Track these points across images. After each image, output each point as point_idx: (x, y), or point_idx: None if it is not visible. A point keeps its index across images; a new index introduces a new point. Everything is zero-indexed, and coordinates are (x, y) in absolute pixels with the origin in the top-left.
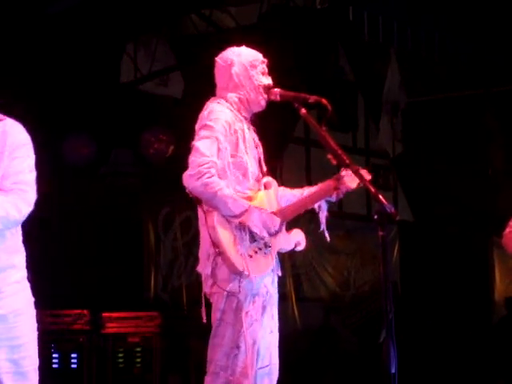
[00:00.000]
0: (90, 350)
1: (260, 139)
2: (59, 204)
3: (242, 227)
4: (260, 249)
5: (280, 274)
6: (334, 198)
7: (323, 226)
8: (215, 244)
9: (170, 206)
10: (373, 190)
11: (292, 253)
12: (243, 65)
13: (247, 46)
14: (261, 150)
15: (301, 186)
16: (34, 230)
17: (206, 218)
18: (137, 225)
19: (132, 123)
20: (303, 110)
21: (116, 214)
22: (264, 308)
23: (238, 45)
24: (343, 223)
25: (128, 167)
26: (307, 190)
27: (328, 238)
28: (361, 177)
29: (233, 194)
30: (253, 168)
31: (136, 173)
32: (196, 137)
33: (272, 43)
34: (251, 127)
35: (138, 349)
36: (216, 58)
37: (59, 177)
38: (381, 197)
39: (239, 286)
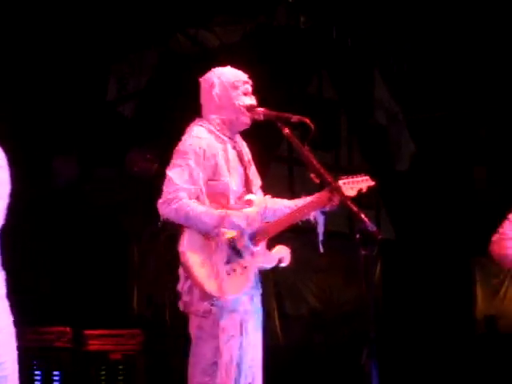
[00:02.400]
0: (73, 368)
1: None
2: (42, 221)
3: (224, 248)
4: (234, 270)
5: (261, 291)
6: (327, 208)
7: (321, 237)
8: (184, 268)
9: (154, 224)
10: (354, 208)
11: (274, 271)
12: (224, 86)
13: (231, 65)
14: (252, 166)
15: None
16: (17, 247)
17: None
18: (120, 242)
19: (116, 142)
20: (286, 130)
21: (99, 231)
22: (241, 325)
23: (223, 64)
24: (326, 241)
25: (112, 184)
26: (302, 201)
27: (322, 250)
28: (342, 195)
29: (206, 209)
30: (236, 187)
31: (120, 190)
32: (170, 163)
33: (255, 62)
34: (240, 144)
35: (121, 366)
36: (200, 79)
37: (42, 193)
38: (363, 215)
39: (211, 308)
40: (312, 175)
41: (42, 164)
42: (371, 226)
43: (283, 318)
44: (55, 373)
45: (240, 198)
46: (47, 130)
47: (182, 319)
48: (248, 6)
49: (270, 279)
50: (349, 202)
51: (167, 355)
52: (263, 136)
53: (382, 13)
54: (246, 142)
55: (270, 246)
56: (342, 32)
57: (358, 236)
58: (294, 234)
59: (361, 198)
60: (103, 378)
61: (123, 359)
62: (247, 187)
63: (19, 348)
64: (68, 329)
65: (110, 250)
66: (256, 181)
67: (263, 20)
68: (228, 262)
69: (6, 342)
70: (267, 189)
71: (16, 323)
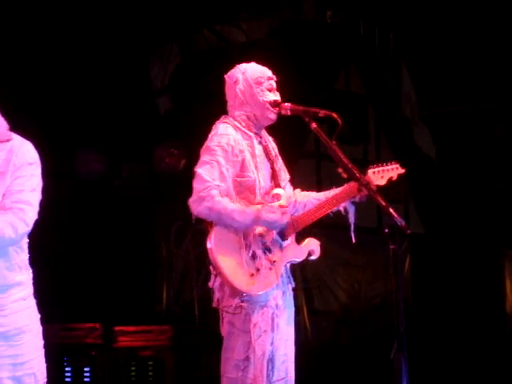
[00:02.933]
0: (103, 364)
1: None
2: (71, 218)
3: (252, 243)
4: (263, 265)
5: (293, 286)
6: (357, 199)
7: (352, 228)
8: (212, 265)
9: (182, 220)
10: (383, 202)
11: (303, 266)
12: (248, 82)
13: (258, 60)
14: (279, 160)
15: None
16: (46, 245)
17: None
18: (149, 238)
19: (144, 137)
20: (313, 125)
21: (128, 227)
22: (273, 320)
23: (249, 60)
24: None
25: (140, 180)
26: (331, 192)
27: (354, 240)
28: (371, 190)
29: (238, 207)
30: (264, 183)
31: (148, 186)
32: (199, 161)
33: (281, 57)
34: (266, 140)
35: (150, 362)
36: (224, 76)
37: (71, 191)
38: (391, 210)
39: (241, 304)
40: (340, 170)
41: (70, 159)
42: (400, 221)
43: (312, 314)
44: (85, 369)
45: (268, 192)
46: (74, 124)
47: (211, 315)
48: (274, 1)
49: (298, 274)
50: (378, 197)
51: (196, 351)
52: (290, 131)
53: (409, 6)
54: (273, 137)
55: (299, 240)
56: (369, 26)
57: (386, 231)
58: (322, 229)
59: (389, 193)
60: (133, 374)
61: (153, 355)
62: (275, 182)
63: (50, 345)
64: (98, 325)
65: (139, 247)
66: (284, 175)
67: (290, 15)
68: (257, 257)
69: (32, 340)
70: (295, 184)
71: (47, 320)
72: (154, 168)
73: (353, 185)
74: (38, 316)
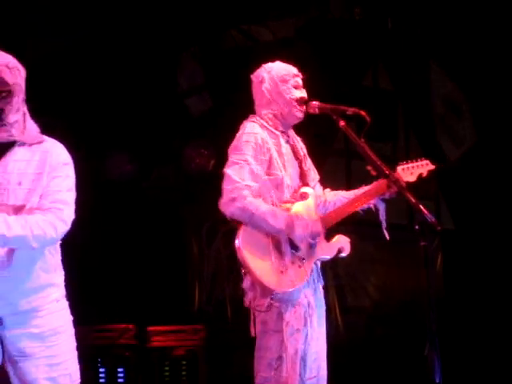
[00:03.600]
0: (136, 364)
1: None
2: (101, 219)
3: (281, 241)
4: (293, 263)
5: (323, 284)
6: (387, 196)
7: (384, 225)
8: (241, 264)
9: (213, 219)
10: (413, 199)
11: (335, 264)
12: (274, 80)
13: (286, 59)
14: (308, 160)
15: None
16: (78, 247)
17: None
18: (180, 238)
19: (173, 138)
20: (342, 122)
21: (159, 227)
22: (305, 318)
23: (277, 59)
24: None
25: (169, 181)
26: (361, 190)
27: (387, 237)
28: (401, 187)
29: (271, 210)
30: (291, 182)
31: (178, 187)
32: (227, 162)
33: (309, 55)
34: (294, 139)
35: (184, 362)
36: (251, 76)
37: (101, 192)
38: (421, 207)
39: (271, 302)
40: (369, 167)
41: (98, 162)
42: (430, 217)
43: (344, 311)
44: (119, 369)
45: (296, 191)
46: (104, 126)
47: (243, 314)
48: None
49: (329, 272)
50: (408, 194)
51: (229, 350)
52: (319, 129)
53: (437, 2)
54: (302, 136)
55: (328, 237)
56: (397, 22)
57: (417, 227)
58: (352, 226)
59: (419, 189)
60: (167, 373)
61: (186, 355)
62: (303, 181)
63: (84, 346)
64: (131, 326)
65: (170, 247)
66: (314, 175)
67: (317, 13)
68: (285, 254)
69: (66, 342)
70: (325, 183)
71: (79, 322)
72: (183, 168)
73: (382, 182)
74: (71, 318)
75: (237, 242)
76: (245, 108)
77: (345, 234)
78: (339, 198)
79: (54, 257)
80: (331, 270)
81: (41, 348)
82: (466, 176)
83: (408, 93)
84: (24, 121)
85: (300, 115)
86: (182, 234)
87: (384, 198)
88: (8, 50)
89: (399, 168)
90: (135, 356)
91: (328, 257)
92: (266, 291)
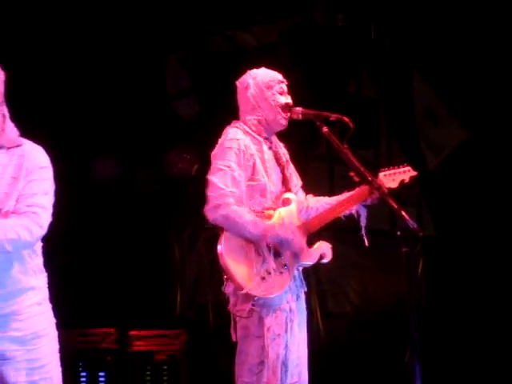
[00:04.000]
0: (118, 369)
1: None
2: (83, 222)
3: (261, 248)
4: (274, 269)
5: (305, 290)
6: (369, 202)
7: (363, 231)
8: (223, 270)
9: (195, 224)
10: (395, 205)
11: (317, 269)
12: (259, 86)
13: (269, 65)
14: (290, 166)
15: None
16: (60, 250)
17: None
18: (162, 242)
19: (158, 142)
20: (325, 128)
21: (141, 232)
22: (287, 324)
23: (261, 65)
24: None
25: (153, 186)
26: (343, 196)
27: (367, 243)
28: (383, 193)
29: (252, 219)
30: (274, 188)
31: (161, 191)
32: (210, 167)
33: (293, 61)
34: (276, 145)
35: (165, 366)
36: (236, 82)
37: (84, 195)
38: (403, 213)
39: (253, 308)
40: (352, 173)
41: (83, 165)
42: (412, 223)
43: (326, 316)
44: (101, 374)
45: (278, 197)
46: (88, 130)
47: (225, 319)
48: (285, 5)
49: (312, 277)
50: (390, 200)
51: (211, 355)
52: (302, 135)
53: (420, 11)
54: (285, 141)
55: (310, 244)
56: (380, 30)
57: (399, 233)
58: (333, 232)
59: (401, 195)
60: (148, 378)
61: (168, 359)
62: (286, 187)
63: (65, 349)
64: (113, 330)
65: (153, 252)
66: (296, 181)
67: (301, 19)
68: (267, 260)
69: (48, 345)
70: (308, 188)
71: (62, 325)
72: (165, 173)
73: (364, 188)
74: (54, 321)
75: (219, 247)
76: (231, 113)
77: (327, 239)
78: (322, 204)
79: (34, 260)
80: (314, 275)
81: (22, 351)
82: (448, 182)
83: (391, 100)
84: (3, 123)
85: (284, 123)
86: (164, 238)
87: (366, 203)
88: None
89: (381, 174)
90: (117, 360)
91: (310, 263)
92: (248, 297)
